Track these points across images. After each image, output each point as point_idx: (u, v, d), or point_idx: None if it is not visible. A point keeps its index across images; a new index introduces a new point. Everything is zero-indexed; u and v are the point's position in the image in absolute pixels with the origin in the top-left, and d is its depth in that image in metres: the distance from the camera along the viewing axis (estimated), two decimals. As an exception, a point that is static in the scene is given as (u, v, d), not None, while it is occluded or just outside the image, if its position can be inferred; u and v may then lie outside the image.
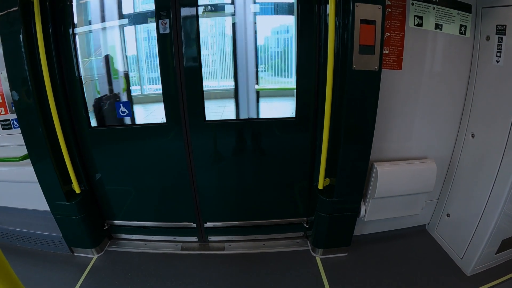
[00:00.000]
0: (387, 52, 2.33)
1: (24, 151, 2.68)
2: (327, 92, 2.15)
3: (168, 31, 2.38)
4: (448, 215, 2.80)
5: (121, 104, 2.69)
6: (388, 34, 2.31)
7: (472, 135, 2.51)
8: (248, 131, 2.66)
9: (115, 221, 3.10)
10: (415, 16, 2.34)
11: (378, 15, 2.04)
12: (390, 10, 2.27)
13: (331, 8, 2.02)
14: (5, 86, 2.70)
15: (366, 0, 2.01)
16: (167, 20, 2.35)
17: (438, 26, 2.37)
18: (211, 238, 3.04)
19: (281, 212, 2.94)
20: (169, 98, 2.54)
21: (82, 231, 2.83)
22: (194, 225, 3.00)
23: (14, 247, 3.21)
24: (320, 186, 2.46)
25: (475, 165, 2.50)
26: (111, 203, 3.02)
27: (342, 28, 2.09)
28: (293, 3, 2.38)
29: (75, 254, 2.98)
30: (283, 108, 2.98)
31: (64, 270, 2.80)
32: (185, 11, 2.32)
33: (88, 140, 2.75)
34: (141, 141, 2.73)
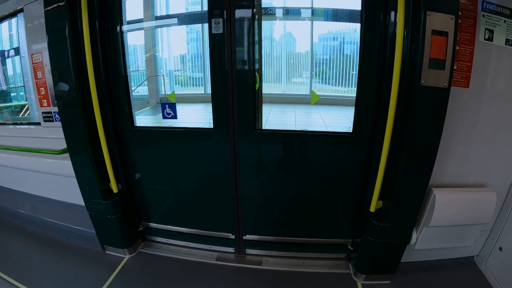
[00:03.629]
0: (455, 67, 2.11)
1: (64, 144, 2.65)
2: (390, 108, 1.96)
3: (221, 31, 2.28)
4: (500, 249, 2.54)
5: (166, 106, 2.61)
6: (458, 48, 2.10)
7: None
8: (301, 143, 2.51)
9: (151, 224, 3.03)
10: (485, 29, 2.11)
11: (450, 26, 1.83)
12: (460, 21, 2.05)
13: (399, 16, 1.84)
14: (49, 79, 2.72)
15: (438, 9, 1.81)
16: (221, 20, 2.26)
17: (508, 42, 2.13)
18: (249, 251, 2.90)
19: (325, 231, 2.76)
20: (218, 102, 2.44)
21: (116, 230, 2.79)
22: (233, 236, 2.88)
23: (45, 236, 3.25)
24: (372, 209, 2.27)
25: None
26: (148, 205, 2.96)
27: (411, 39, 1.89)
28: (357, 11, 2.21)
29: (107, 252, 2.95)
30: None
31: (95, 267, 2.77)
32: (240, 12, 2.21)
33: (130, 139, 2.70)
34: (185, 144, 2.65)
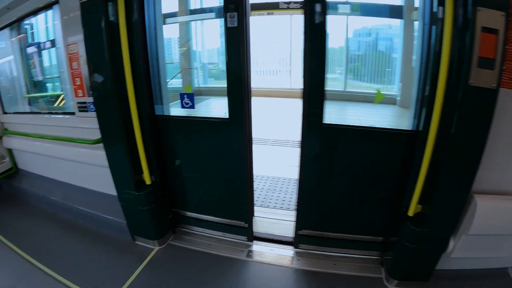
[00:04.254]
0: (504, 67, 1.99)
1: (98, 134, 2.69)
2: (435, 107, 1.87)
3: (236, 24, 2.29)
4: (537, 261, 2.41)
5: (185, 96, 2.64)
6: (506, 47, 1.97)
7: None
8: (362, 139, 2.43)
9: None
10: (534, 27, 1.98)
11: (501, 23, 1.72)
12: (510, 18, 1.94)
13: (448, 12, 1.75)
14: (84, 69, 2.73)
15: (488, 5, 1.70)
16: (235, 14, 2.27)
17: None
18: (280, 247, 2.89)
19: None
20: (233, 93, 2.48)
21: (147, 222, 2.82)
22: (246, 225, 2.90)
23: (77, 224, 3.33)
24: (411, 213, 2.18)
25: None
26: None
27: (459, 36, 1.80)
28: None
29: (137, 242, 2.98)
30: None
31: (124, 257, 2.81)
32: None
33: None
34: (207, 133, 2.71)
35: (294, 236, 2.83)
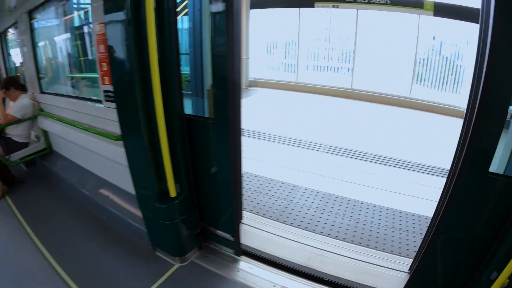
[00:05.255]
0: None
1: (123, 129, 2.35)
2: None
3: (221, 9, 1.95)
4: None
5: None
6: None
7: None
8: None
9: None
10: None
11: None
12: None
13: None
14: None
15: None
16: None
17: None
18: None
19: None
20: (216, 88, 2.13)
21: (169, 237, 2.46)
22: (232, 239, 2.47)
23: (99, 218, 3.14)
24: None
25: None
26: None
27: None
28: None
29: (157, 253, 2.63)
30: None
31: (140, 267, 2.50)
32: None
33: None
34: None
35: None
